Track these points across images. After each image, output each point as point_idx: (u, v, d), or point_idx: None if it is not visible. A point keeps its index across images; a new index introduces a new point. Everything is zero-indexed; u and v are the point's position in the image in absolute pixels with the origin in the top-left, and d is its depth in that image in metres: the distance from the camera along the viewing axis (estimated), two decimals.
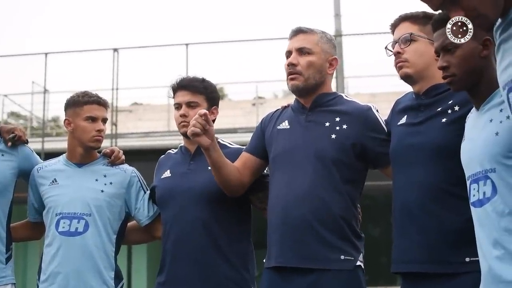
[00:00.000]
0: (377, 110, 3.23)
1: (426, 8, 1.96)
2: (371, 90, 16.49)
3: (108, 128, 4.22)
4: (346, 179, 3.12)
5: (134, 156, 8.15)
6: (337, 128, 3.16)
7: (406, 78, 2.96)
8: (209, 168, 3.31)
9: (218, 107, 3.65)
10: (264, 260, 3.22)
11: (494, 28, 1.92)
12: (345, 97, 3.32)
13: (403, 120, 2.96)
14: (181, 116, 3.52)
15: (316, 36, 3.28)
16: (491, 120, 2.31)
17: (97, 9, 58.33)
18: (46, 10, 61.01)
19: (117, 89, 13.70)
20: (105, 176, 3.68)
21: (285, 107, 3.42)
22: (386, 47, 3.06)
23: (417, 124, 2.88)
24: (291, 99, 3.41)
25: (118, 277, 3.63)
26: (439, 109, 2.83)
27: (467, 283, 2.57)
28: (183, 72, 11.68)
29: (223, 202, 3.41)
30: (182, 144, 3.67)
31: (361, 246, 3.13)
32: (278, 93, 23.05)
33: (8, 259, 3.58)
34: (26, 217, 3.84)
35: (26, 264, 14.61)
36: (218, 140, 3.58)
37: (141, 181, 3.75)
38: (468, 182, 2.40)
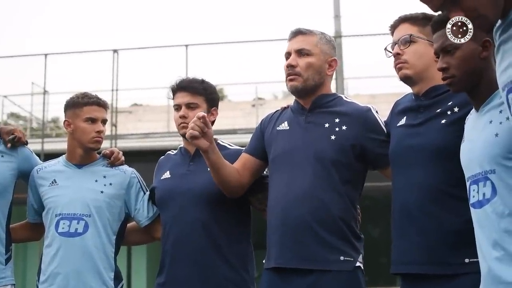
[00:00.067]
0: (376, 111, 3.23)
1: (426, 9, 1.96)
2: (370, 91, 16.47)
3: (107, 129, 4.22)
4: (345, 180, 3.12)
5: (134, 157, 8.15)
6: (337, 129, 3.16)
7: (406, 79, 2.96)
8: (209, 169, 3.31)
9: (217, 108, 3.65)
10: (263, 261, 3.22)
11: (494, 29, 1.93)
12: (344, 98, 3.33)
13: (403, 121, 2.96)
14: (180, 117, 3.53)
15: (315, 38, 3.28)
16: (490, 121, 2.32)
17: (97, 10, 58.36)
18: (46, 10, 61.05)
19: (116, 90, 13.70)
20: (104, 177, 3.68)
21: (284, 108, 3.42)
22: (385, 48, 3.06)
23: (416, 125, 2.88)
24: (291, 100, 3.41)
25: (117, 278, 3.63)
26: (438, 110, 2.83)
27: (466, 284, 2.57)
28: (183, 73, 11.66)
29: (223, 203, 3.41)
30: (182, 145, 3.67)
31: (360, 247, 3.13)
32: (277, 94, 23.06)
33: (7, 260, 3.58)
34: (25, 218, 3.84)
35: (25, 265, 14.60)
36: (218, 141, 3.58)
37: (140, 182, 3.75)
38: (467, 183, 2.40)
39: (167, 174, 3.60)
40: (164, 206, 3.55)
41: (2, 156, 3.60)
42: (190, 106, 3.53)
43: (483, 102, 2.41)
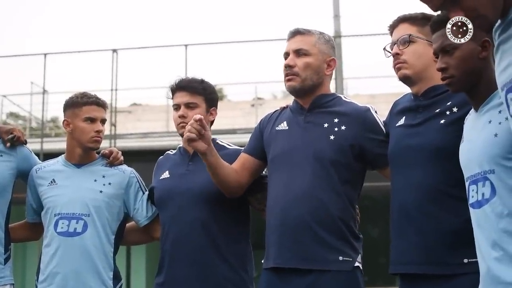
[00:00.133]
0: (375, 111, 3.23)
1: (425, 9, 1.96)
2: (370, 91, 16.47)
3: (107, 129, 4.22)
4: (344, 180, 3.12)
5: (133, 156, 8.15)
6: (336, 129, 3.16)
7: (405, 79, 2.96)
8: None
9: (217, 108, 3.65)
10: (262, 261, 3.22)
11: (493, 29, 1.92)
12: (343, 98, 3.32)
13: (402, 121, 2.96)
14: (179, 117, 3.53)
15: (314, 37, 3.28)
16: (490, 122, 2.31)
17: (96, 10, 58.36)
18: (45, 10, 61.05)
19: (116, 89, 13.71)
20: (103, 176, 3.68)
21: (283, 108, 3.42)
22: (384, 48, 3.06)
23: (415, 125, 2.88)
24: (290, 100, 3.41)
25: (116, 278, 3.63)
26: (437, 110, 2.83)
27: (465, 284, 2.57)
28: (182, 73, 11.63)
29: (222, 203, 3.41)
30: (181, 145, 3.67)
31: (359, 247, 3.13)
32: (277, 94, 23.05)
33: (6, 260, 3.58)
34: (24, 218, 3.84)
35: (25, 265, 14.60)
36: (217, 141, 3.58)
37: (139, 181, 3.74)
38: (466, 183, 2.40)
39: (166, 174, 3.60)
40: (163, 205, 3.55)
41: (1, 155, 3.60)
42: (189, 106, 3.53)
43: (482, 102, 2.41)
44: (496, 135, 2.24)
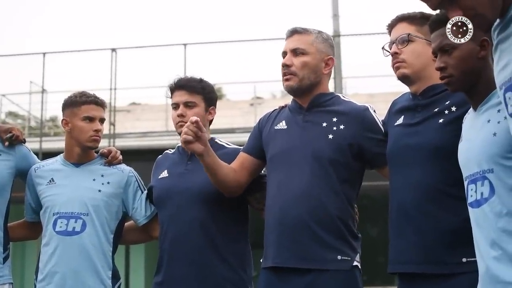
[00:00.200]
0: (374, 111, 3.22)
1: (423, 8, 1.96)
2: (369, 90, 16.50)
3: (106, 128, 4.22)
4: (342, 179, 3.12)
5: (132, 156, 8.14)
6: (334, 128, 3.16)
7: (403, 78, 2.96)
8: None
9: (215, 107, 3.65)
10: (261, 260, 3.22)
11: (492, 28, 1.92)
12: (342, 98, 3.32)
13: (400, 120, 2.96)
14: (178, 116, 3.52)
15: (311, 36, 3.28)
16: (488, 121, 2.31)
17: (95, 9, 58.33)
18: (45, 10, 61.02)
19: (115, 89, 13.71)
20: (102, 176, 3.68)
21: (282, 107, 3.42)
22: (383, 48, 3.06)
23: (414, 124, 2.88)
24: (289, 99, 3.41)
25: (115, 277, 3.63)
26: (436, 109, 2.83)
27: (463, 284, 2.57)
28: (181, 72, 11.66)
29: (221, 202, 3.41)
30: (180, 144, 3.66)
31: (357, 246, 3.13)
32: (276, 93, 23.03)
33: (5, 259, 3.58)
34: (23, 217, 3.84)
35: (24, 264, 14.60)
36: (216, 140, 3.58)
37: (138, 181, 3.74)
38: (465, 183, 2.40)
39: (165, 173, 3.59)
40: (161, 205, 3.55)
41: (0, 154, 3.60)
42: (188, 105, 3.53)
43: (481, 102, 2.41)
44: (495, 134, 2.24)
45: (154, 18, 58.05)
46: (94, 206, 3.58)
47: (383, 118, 3.18)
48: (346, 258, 3.05)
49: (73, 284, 3.50)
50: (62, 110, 3.73)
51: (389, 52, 3.01)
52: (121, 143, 12.99)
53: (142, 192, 3.71)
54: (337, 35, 12.94)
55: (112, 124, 13.28)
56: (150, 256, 13.03)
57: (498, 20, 1.89)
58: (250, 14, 61.71)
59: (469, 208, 2.36)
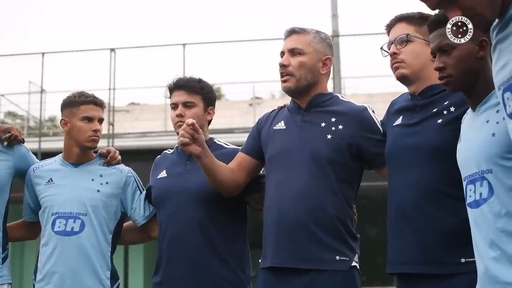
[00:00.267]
0: (373, 111, 3.22)
1: (422, 8, 1.96)
2: (368, 90, 16.50)
3: (105, 128, 4.22)
4: (341, 179, 3.12)
5: (131, 156, 8.15)
6: (333, 128, 3.16)
7: (402, 78, 2.96)
8: None
9: (214, 107, 3.65)
10: (259, 261, 3.22)
11: (491, 28, 1.92)
12: (341, 98, 3.32)
13: (399, 121, 2.96)
14: (177, 116, 3.52)
15: (309, 36, 3.28)
16: (487, 121, 2.31)
17: (95, 9, 58.33)
18: (44, 10, 61.01)
19: (114, 89, 13.71)
20: (101, 176, 3.68)
21: (281, 108, 3.42)
22: (381, 48, 3.05)
23: (412, 125, 2.88)
24: (288, 99, 3.41)
25: (114, 277, 3.63)
26: (434, 110, 2.83)
27: (462, 284, 2.57)
28: (180, 72, 11.69)
29: (219, 203, 3.40)
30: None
31: (356, 246, 3.13)
32: (275, 93, 23.03)
33: (4, 259, 3.58)
34: (22, 217, 3.84)
35: (22, 264, 14.60)
36: (214, 140, 3.58)
37: (137, 181, 3.74)
38: (464, 183, 2.40)
39: (163, 173, 3.59)
40: (160, 205, 3.55)
41: None
42: (187, 105, 3.53)
43: (479, 102, 2.41)
44: (493, 134, 2.24)
45: (153, 18, 58.08)
46: (93, 206, 3.57)
47: (382, 118, 3.18)
48: (345, 258, 3.05)
49: (71, 284, 3.50)
50: (61, 110, 3.73)
51: (387, 52, 3.01)
52: (120, 143, 13.00)
53: (141, 192, 3.71)
54: (336, 35, 12.94)
55: (111, 124, 13.28)
56: (149, 256, 13.03)
57: (497, 20, 1.89)
58: (249, 14, 61.77)
59: (468, 209, 2.36)
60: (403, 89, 3.08)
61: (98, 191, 3.62)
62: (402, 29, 2.95)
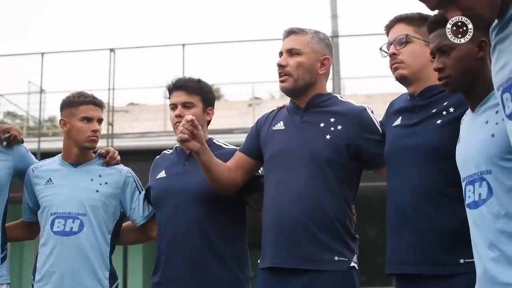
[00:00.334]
0: (372, 111, 3.22)
1: (422, 9, 1.96)
2: (367, 91, 16.50)
3: (104, 128, 4.22)
4: (340, 180, 3.12)
5: (130, 156, 8.14)
6: (332, 128, 3.16)
7: (402, 79, 2.95)
8: None
9: (213, 107, 3.65)
10: (258, 261, 3.22)
11: (490, 29, 1.92)
12: (340, 98, 3.32)
13: (398, 121, 2.96)
14: (176, 116, 3.52)
15: (307, 37, 3.28)
16: (486, 122, 2.31)
17: (94, 9, 58.32)
18: (43, 10, 61.00)
19: (113, 89, 13.70)
20: (100, 176, 3.68)
21: (280, 108, 3.42)
22: (381, 48, 3.05)
23: (412, 125, 2.88)
24: (287, 100, 3.41)
25: (113, 277, 3.63)
26: (434, 110, 2.82)
27: (461, 285, 2.57)
28: (180, 73, 11.71)
29: (218, 203, 3.40)
30: (178, 145, 3.66)
31: (355, 247, 3.13)
32: (274, 94, 23.03)
33: (3, 259, 3.58)
34: (21, 217, 3.84)
35: (21, 264, 14.58)
36: (214, 140, 3.58)
37: (136, 181, 3.74)
38: (463, 184, 2.40)
39: (162, 174, 3.59)
40: (159, 205, 3.55)
41: None
42: (186, 105, 3.53)
43: (479, 103, 2.41)
44: (493, 135, 2.24)
45: (152, 18, 58.09)
46: (92, 206, 3.57)
47: (381, 119, 3.18)
48: (343, 259, 3.05)
49: (70, 284, 3.50)
50: (60, 110, 3.73)
51: (387, 53, 3.01)
52: (119, 143, 12.99)
53: (140, 193, 3.71)
54: (335, 35, 12.93)
55: (110, 124, 13.28)
56: (148, 256, 13.02)
57: (496, 21, 1.88)
58: (249, 15, 61.77)
59: (467, 209, 2.36)
60: (402, 89, 3.08)
61: (97, 191, 3.62)
62: (402, 30, 2.95)
